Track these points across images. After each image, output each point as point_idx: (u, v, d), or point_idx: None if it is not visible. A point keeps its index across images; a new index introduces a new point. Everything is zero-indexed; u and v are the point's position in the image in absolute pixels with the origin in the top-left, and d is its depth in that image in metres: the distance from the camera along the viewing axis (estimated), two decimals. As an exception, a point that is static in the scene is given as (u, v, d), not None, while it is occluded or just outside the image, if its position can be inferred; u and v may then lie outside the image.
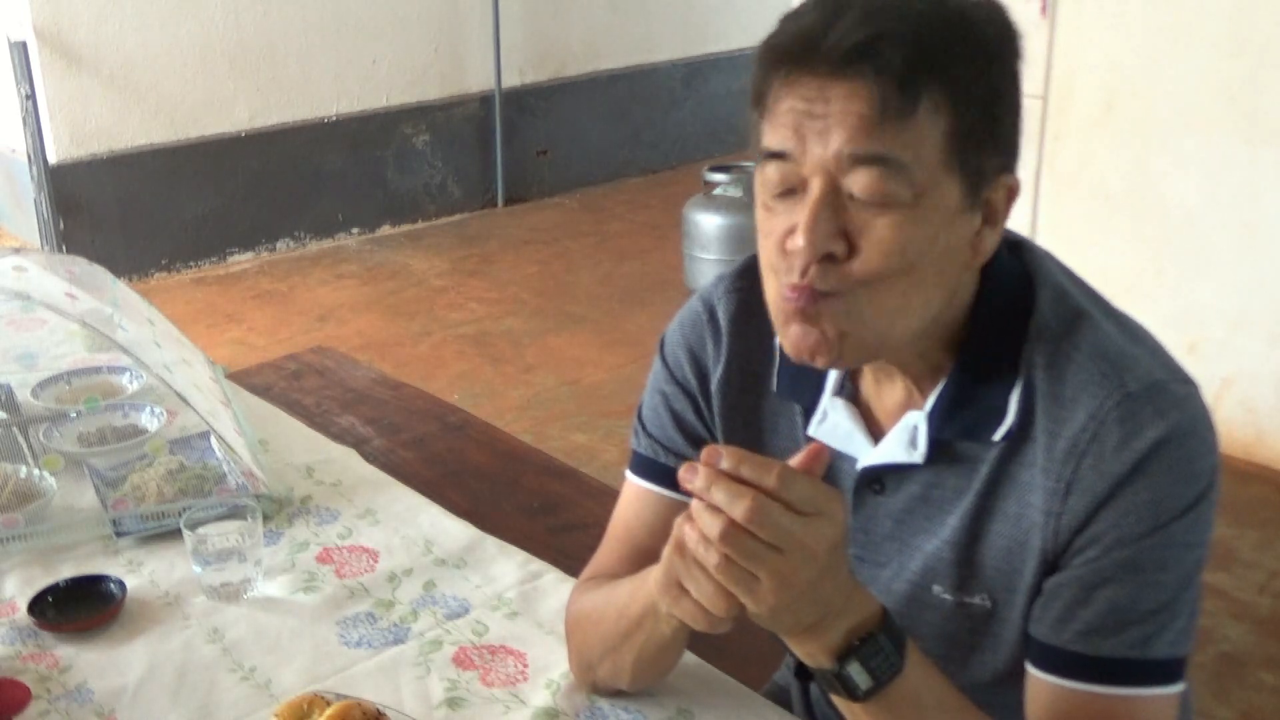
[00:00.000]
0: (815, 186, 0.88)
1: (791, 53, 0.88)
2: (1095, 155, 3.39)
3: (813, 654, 0.89)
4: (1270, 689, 2.42)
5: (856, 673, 0.87)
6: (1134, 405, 0.91)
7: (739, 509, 0.80)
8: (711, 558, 0.82)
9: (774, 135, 0.90)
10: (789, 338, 0.93)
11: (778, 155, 0.90)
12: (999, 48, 0.90)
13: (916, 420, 0.99)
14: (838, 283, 0.89)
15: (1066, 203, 3.47)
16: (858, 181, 0.87)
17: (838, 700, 0.91)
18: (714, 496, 0.81)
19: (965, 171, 0.89)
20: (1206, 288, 3.25)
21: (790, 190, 0.90)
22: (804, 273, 0.89)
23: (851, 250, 0.89)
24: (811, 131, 0.87)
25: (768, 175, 0.91)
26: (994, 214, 0.93)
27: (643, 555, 1.12)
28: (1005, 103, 0.91)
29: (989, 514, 0.98)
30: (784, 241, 0.91)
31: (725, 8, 6.52)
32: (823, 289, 0.89)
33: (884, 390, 1.03)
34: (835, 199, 0.88)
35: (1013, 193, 0.94)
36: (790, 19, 0.90)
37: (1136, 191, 3.34)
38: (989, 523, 0.98)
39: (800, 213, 0.89)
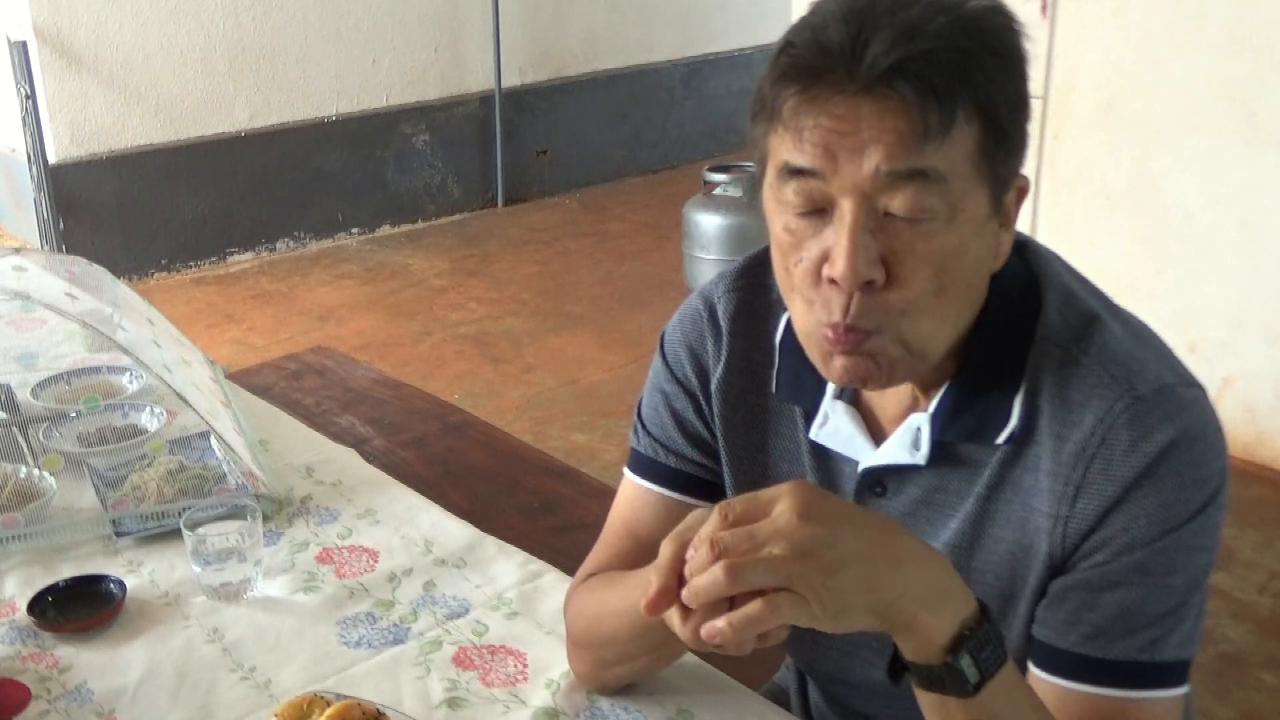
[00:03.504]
0: (849, 208, 0.86)
1: (817, 69, 0.85)
2: (1095, 155, 3.39)
3: (922, 647, 0.84)
4: (1270, 689, 2.42)
5: (966, 665, 0.83)
6: (1142, 409, 0.91)
7: (720, 571, 0.78)
8: (755, 610, 0.79)
9: (798, 152, 0.87)
10: (834, 369, 0.92)
11: (803, 172, 0.87)
12: (1018, 53, 0.89)
13: (920, 422, 0.99)
14: (880, 318, 0.88)
15: (1066, 203, 3.47)
16: (895, 199, 0.86)
17: (931, 703, 0.87)
18: (700, 588, 0.79)
19: (992, 179, 0.89)
20: (1206, 288, 3.25)
21: (816, 210, 0.88)
22: (845, 310, 0.88)
23: (889, 275, 0.87)
24: (843, 149, 0.85)
25: (788, 194, 0.89)
26: (1008, 216, 0.93)
27: (642, 553, 1.11)
28: (1025, 106, 0.90)
29: (990, 518, 0.98)
30: (818, 268, 0.89)
31: (725, 8, 6.52)
32: (866, 327, 0.89)
33: (887, 393, 1.03)
34: (871, 220, 0.86)
35: (1023, 192, 0.94)
36: (806, 30, 0.86)
37: (1136, 191, 3.34)
38: (990, 527, 0.98)
39: (833, 236, 0.87)
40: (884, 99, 0.84)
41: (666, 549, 0.85)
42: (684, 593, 0.81)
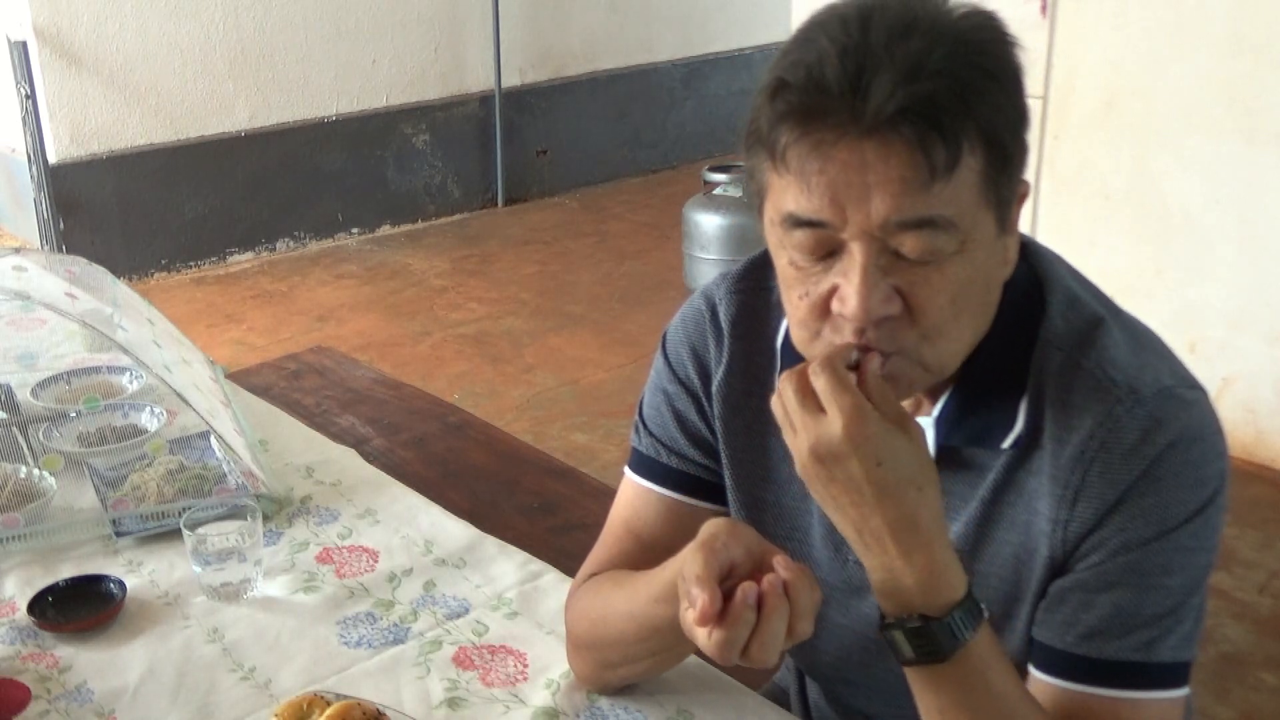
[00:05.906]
0: (858, 251, 0.85)
1: (818, 110, 0.83)
2: (1095, 155, 3.39)
3: (878, 590, 0.90)
4: (1270, 689, 2.42)
5: (900, 641, 0.90)
6: (1142, 412, 0.91)
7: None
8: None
9: (805, 201, 0.85)
10: None
11: (811, 224, 0.86)
12: (1015, 69, 0.87)
13: (924, 426, 0.98)
14: (900, 341, 0.88)
15: (1066, 203, 3.47)
16: (905, 243, 0.85)
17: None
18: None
19: (997, 203, 0.88)
20: (1206, 288, 3.25)
21: (827, 253, 0.88)
22: (859, 334, 0.88)
23: (906, 306, 0.87)
24: (850, 198, 0.84)
25: (796, 239, 0.88)
26: (1012, 223, 0.93)
27: (644, 553, 1.11)
28: (1025, 119, 0.89)
29: (995, 521, 0.98)
30: (825, 303, 0.89)
31: (725, 8, 6.52)
32: (887, 350, 0.88)
33: None
34: (882, 258, 0.85)
35: (1024, 197, 0.93)
36: (799, 69, 0.84)
37: (1136, 191, 3.34)
38: (995, 530, 0.98)
39: (842, 275, 0.87)
40: (888, 142, 0.82)
41: (697, 560, 0.88)
42: (753, 649, 0.86)
